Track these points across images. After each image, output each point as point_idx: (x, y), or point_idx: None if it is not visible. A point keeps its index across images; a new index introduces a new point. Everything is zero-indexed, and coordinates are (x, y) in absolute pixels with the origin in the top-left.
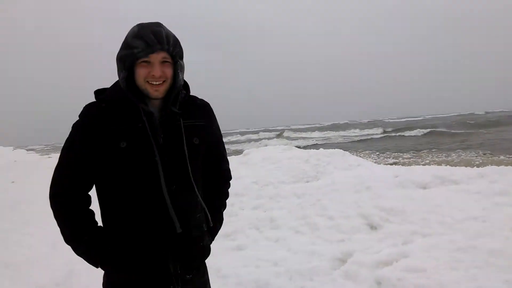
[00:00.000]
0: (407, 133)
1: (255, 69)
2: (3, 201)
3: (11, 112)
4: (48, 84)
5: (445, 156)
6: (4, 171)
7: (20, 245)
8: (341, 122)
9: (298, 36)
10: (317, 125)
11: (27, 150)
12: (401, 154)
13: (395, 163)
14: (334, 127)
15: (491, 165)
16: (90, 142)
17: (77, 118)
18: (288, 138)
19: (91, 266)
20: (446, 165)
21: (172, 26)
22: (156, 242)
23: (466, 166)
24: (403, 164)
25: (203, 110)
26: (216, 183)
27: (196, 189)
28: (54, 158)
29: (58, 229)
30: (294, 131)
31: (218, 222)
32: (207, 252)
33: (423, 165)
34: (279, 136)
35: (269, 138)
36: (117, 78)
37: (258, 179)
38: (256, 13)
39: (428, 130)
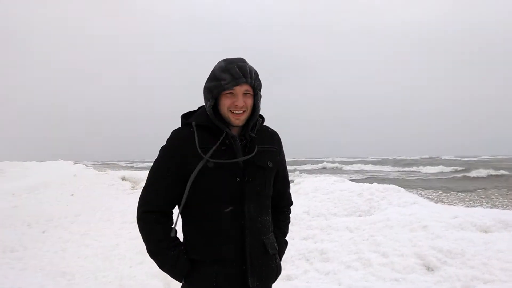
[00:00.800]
0: (472, 174)
1: (298, 99)
2: (64, 213)
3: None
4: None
5: None
6: (65, 184)
7: (76, 256)
8: (390, 158)
9: (341, 70)
10: (367, 159)
11: (86, 165)
12: (467, 195)
13: (461, 204)
14: (384, 162)
15: None
16: (180, 163)
17: (164, 142)
18: (338, 170)
19: (142, 282)
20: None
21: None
22: (236, 258)
23: None
24: (469, 206)
25: (274, 137)
26: (282, 206)
27: (270, 210)
28: (111, 175)
29: (112, 243)
30: (341, 163)
31: (284, 244)
32: (279, 271)
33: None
34: (327, 167)
35: (315, 170)
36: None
37: (309, 209)
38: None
39: (501, 171)
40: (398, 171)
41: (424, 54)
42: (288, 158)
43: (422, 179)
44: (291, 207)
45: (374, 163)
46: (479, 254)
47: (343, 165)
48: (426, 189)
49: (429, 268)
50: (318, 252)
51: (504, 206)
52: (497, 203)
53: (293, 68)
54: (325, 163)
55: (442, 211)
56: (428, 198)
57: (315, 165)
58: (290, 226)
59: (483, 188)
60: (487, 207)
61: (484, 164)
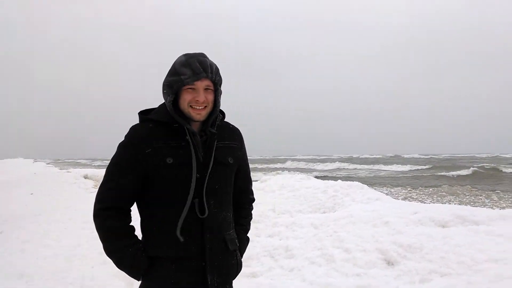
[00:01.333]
0: (438, 171)
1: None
2: (24, 212)
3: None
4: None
5: (485, 197)
6: (25, 183)
7: (35, 257)
8: (355, 156)
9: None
10: (332, 157)
11: (47, 163)
12: (434, 190)
13: (429, 200)
14: (350, 160)
15: None
16: (139, 159)
17: (122, 138)
18: (306, 168)
19: (104, 282)
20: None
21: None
22: (195, 254)
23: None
24: (437, 202)
25: (235, 133)
26: (243, 203)
27: (230, 206)
28: (74, 173)
29: (74, 243)
30: (309, 161)
31: (246, 240)
32: (240, 267)
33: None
34: (293, 166)
35: (283, 168)
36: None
37: (275, 206)
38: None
39: (472, 169)
40: (367, 169)
41: (403, 52)
42: (255, 155)
43: (391, 176)
44: (254, 204)
45: (342, 160)
46: (437, 248)
47: (311, 163)
48: (395, 186)
49: (390, 263)
50: (283, 249)
51: (471, 203)
52: (464, 199)
53: (290, 63)
54: (289, 162)
55: (403, 207)
56: (397, 194)
57: (282, 164)
58: (256, 223)
59: (449, 185)
60: (455, 203)
61: (448, 161)
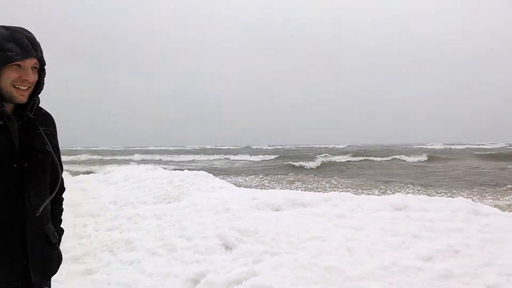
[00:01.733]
0: (286, 161)
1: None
2: None
3: None
4: None
5: (326, 182)
6: None
7: None
8: (208, 147)
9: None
10: (186, 148)
11: None
12: (282, 178)
13: (279, 187)
14: (204, 151)
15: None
16: None
17: None
18: (159, 161)
19: None
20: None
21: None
22: (16, 251)
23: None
24: (286, 188)
25: (49, 119)
26: (56, 193)
27: (49, 197)
28: None
29: None
30: (159, 153)
31: (62, 231)
32: (61, 260)
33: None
34: (147, 157)
35: (128, 161)
36: None
37: (117, 198)
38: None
39: (314, 158)
40: (223, 159)
41: (256, 50)
42: (86, 145)
43: (245, 166)
44: (93, 197)
45: (196, 152)
46: (270, 230)
47: (166, 154)
48: (249, 175)
49: (228, 247)
50: (124, 242)
51: (315, 188)
52: (309, 185)
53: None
54: (134, 155)
55: (244, 194)
56: (251, 182)
57: (131, 155)
58: (95, 217)
59: (295, 173)
60: (301, 188)
61: (293, 152)
